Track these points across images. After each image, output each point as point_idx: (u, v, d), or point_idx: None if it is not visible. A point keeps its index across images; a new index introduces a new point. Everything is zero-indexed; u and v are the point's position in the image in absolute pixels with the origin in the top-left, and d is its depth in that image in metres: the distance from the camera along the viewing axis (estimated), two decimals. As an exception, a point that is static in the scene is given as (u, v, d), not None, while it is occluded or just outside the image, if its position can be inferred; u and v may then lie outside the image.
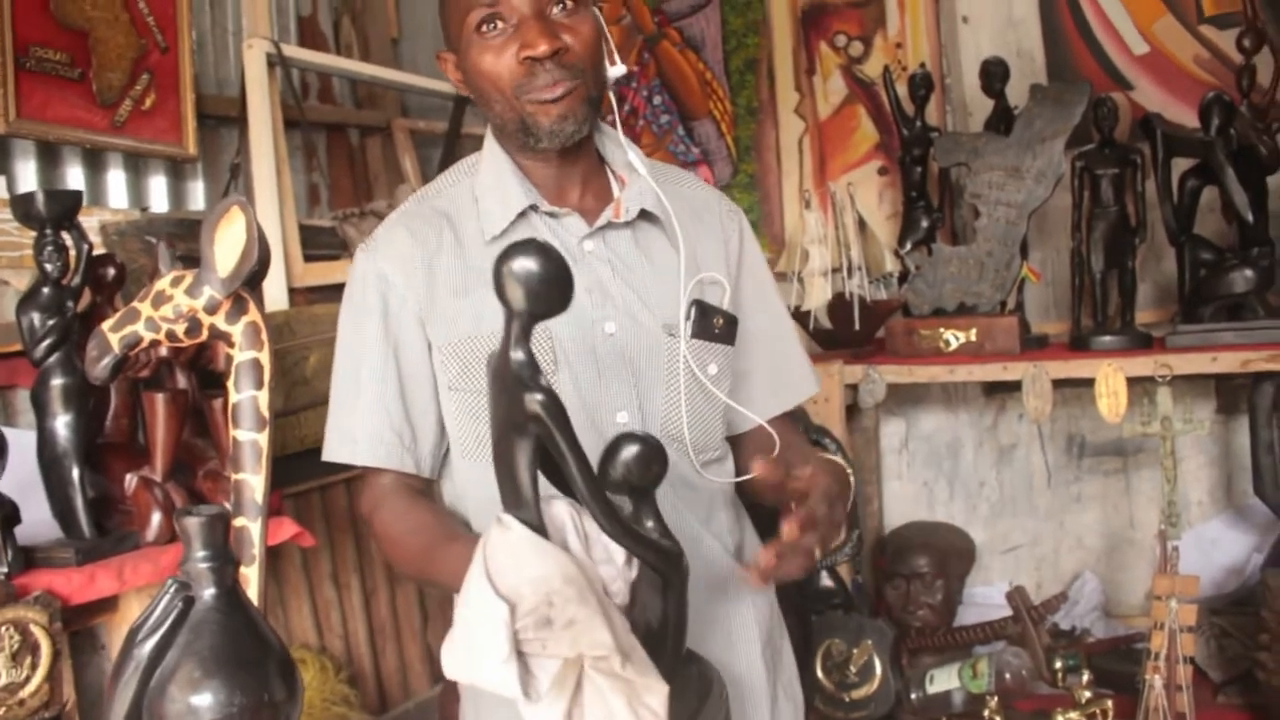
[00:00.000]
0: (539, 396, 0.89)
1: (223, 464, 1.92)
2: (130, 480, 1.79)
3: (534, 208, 1.34)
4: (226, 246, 1.38)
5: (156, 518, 1.77)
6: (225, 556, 1.07)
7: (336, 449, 1.36)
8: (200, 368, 1.94)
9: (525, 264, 0.87)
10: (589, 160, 1.39)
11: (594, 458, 0.99)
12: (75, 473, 1.71)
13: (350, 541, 2.73)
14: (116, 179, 2.50)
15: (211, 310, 1.40)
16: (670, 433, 1.35)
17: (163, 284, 1.40)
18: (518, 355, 0.90)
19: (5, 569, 1.57)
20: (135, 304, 1.41)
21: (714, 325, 1.38)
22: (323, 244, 2.76)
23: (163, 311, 1.39)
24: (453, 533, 1.27)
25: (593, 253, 1.35)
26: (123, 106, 2.42)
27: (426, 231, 1.36)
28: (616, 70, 1.34)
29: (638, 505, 1.02)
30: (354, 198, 3.05)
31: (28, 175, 2.31)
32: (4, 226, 2.19)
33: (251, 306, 1.43)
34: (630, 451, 0.99)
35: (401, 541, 1.32)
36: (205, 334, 1.42)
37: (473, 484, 1.35)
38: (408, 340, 1.34)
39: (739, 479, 1.44)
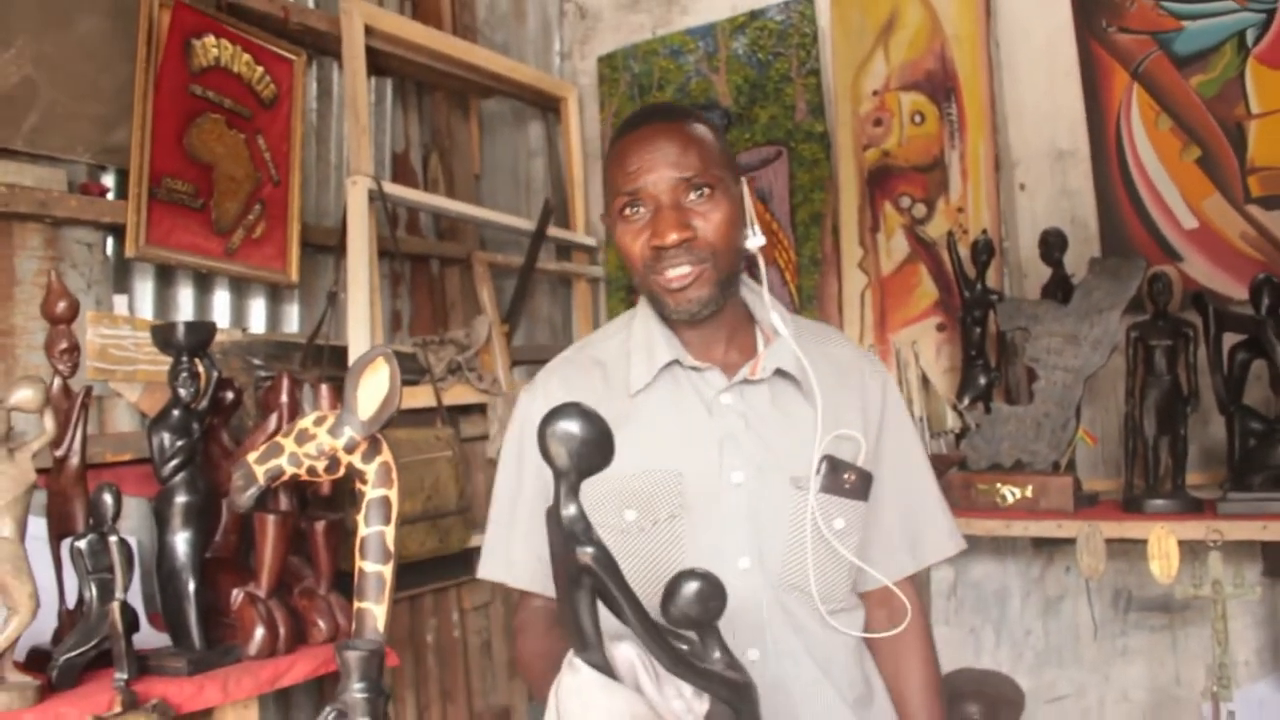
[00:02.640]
0: (590, 550, 0.98)
1: (317, 583, 2.02)
2: (236, 595, 1.88)
3: (678, 362, 1.44)
4: (369, 392, 1.51)
5: (260, 633, 1.85)
6: (379, 690, 1.18)
7: (494, 569, 1.53)
8: (300, 491, 2.05)
9: (567, 426, 0.97)
10: (735, 319, 1.48)
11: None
12: (191, 586, 1.81)
13: (410, 657, 2.81)
14: (222, 300, 2.65)
15: (350, 450, 1.51)
16: (792, 581, 1.42)
17: (306, 423, 1.52)
18: (569, 511, 0.99)
19: (125, 675, 1.66)
20: (279, 439, 1.53)
21: (844, 481, 1.43)
22: (403, 369, 2.87)
23: (306, 449, 1.51)
24: None
25: (729, 406, 1.43)
26: (236, 235, 2.58)
27: (579, 379, 1.49)
28: (754, 241, 1.42)
29: (703, 639, 1.08)
30: (432, 325, 3.20)
31: (145, 295, 2.47)
32: (121, 342, 2.34)
33: (384, 448, 1.55)
34: (689, 589, 1.05)
35: (530, 665, 1.47)
36: (342, 471, 1.53)
37: None
38: None
39: (866, 634, 1.50)
